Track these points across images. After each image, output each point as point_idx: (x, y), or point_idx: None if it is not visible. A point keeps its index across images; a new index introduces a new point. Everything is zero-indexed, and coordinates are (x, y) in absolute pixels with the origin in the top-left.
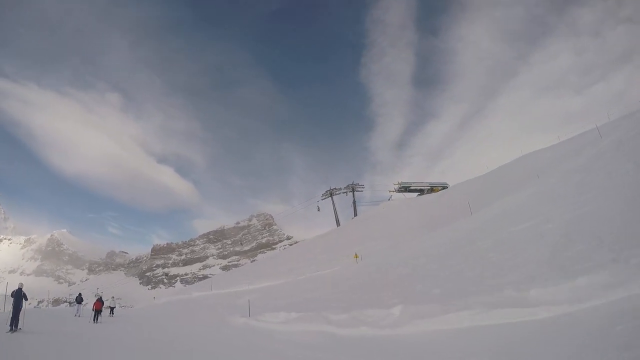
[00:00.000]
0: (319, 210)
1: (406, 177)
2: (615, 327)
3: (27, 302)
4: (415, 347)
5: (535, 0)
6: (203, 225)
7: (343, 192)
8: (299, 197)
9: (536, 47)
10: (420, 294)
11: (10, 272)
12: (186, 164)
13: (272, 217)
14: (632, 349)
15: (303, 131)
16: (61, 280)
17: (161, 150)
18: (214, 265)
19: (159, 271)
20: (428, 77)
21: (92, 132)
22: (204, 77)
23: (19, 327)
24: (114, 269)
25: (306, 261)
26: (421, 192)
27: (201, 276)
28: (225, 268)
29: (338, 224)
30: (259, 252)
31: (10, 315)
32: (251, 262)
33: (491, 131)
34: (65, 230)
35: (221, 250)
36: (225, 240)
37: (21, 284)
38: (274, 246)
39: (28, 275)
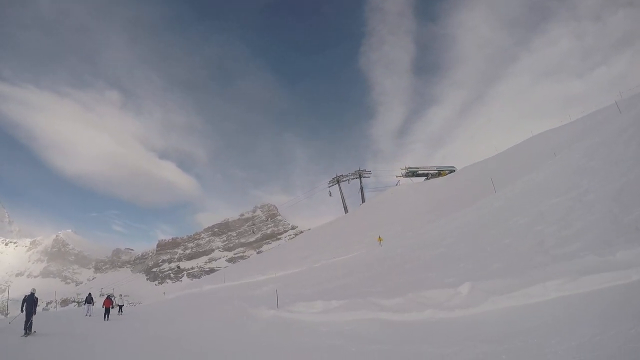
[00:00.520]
0: (330, 195)
1: (408, 164)
2: None
3: (38, 306)
4: (503, 326)
5: None
6: (207, 219)
7: (350, 179)
8: (302, 188)
9: (536, 33)
10: (479, 270)
11: (17, 275)
12: (188, 158)
13: (276, 207)
14: None
15: (304, 122)
16: (68, 281)
17: (162, 145)
18: (220, 258)
19: (166, 266)
20: (428, 64)
21: (92, 131)
22: (203, 71)
23: (33, 331)
24: (120, 267)
25: (319, 248)
26: (428, 176)
27: (208, 269)
28: (231, 260)
29: (346, 210)
30: (265, 243)
31: (24, 320)
32: (257, 253)
33: (491, 117)
34: (70, 230)
35: (226, 242)
36: (230, 233)
37: (33, 289)
38: (279, 236)
39: (35, 277)
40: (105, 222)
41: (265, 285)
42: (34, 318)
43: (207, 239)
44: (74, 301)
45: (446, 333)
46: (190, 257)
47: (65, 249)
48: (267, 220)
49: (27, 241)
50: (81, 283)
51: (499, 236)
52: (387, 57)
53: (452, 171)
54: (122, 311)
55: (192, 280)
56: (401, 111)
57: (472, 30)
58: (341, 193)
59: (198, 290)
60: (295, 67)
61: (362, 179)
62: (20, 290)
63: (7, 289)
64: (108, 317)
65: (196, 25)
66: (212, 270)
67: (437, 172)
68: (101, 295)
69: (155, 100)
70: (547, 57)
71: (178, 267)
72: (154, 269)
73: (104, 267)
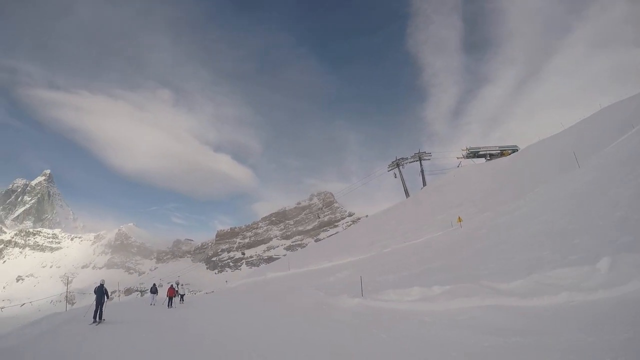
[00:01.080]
0: (395, 177)
1: (468, 145)
2: None
3: (109, 299)
4: None
5: None
6: (264, 208)
7: (409, 161)
8: (357, 174)
9: None
10: (606, 245)
11: (83, 267)
12: (242, 150)
13: (332, 195)
14: None
15: (354, 107)
16: (131, 271)
17: (216, 138)
18: (278, 246)
19: (225, 255)
20: (477, 40)
21: (148, 129)
22: (249, 63)
23: (102, 319)
24: (180, 257)
25: (385, 233)
26: (487, 157)
27: (266, 257)
28: (289, 248)
29: (407, 194)
30: (322, 231)
31: (94, 309)
32: (315, 240)
33: (548, 93)
34: (131, 224)
35: (284, 231)
36: (287, 221)
37: (103, 281)
38: (336, 224)
39: (100, 268)
40: (165, 215)
41: (337, 271)
42: (104, 307)
43: (265, 227)
44: (137, 290)
45: (598, 318)
46: (248, 246)
47: (127, 241)
48: (323, 208)
49: (92, 235)
50: (143, 273)
51: (609, 208)
52: (435, 37)
53: (514, 150)
54: (183, 300)
55: (250, 268)
56: (454, 92)
57: (521, 1)
58: (402, 177)
59: (262, 278)
60: (340, 52)
61: (422, 161)
62: (85, 281)
63: (72, 281)
64: (171, 305)
65: (238, 18)
66: (270, 259)
67: (499, 152)
68: (159, 286)
69: (205, 95)
70: (602, 25)
71: (243, 253)
72: (214, 258)
73: (165, 258)
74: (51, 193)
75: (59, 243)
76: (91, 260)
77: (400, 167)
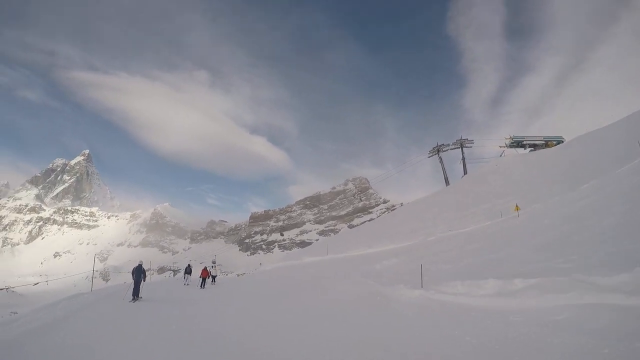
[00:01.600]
0: (441, 160)
1: (504, 135)
2: None
3: (146, 278)
4: None
5: None
6: (298, 192)
7: (450, 148)
8: (392, 160)
9: None
10: None
11: (118, 245)
12: (278, 132)
13: (367, 180)
14: None
15: (393, 92)
16: (165, 250)
17: (252, 121)
18: (311, 231)
19: (258, 237)
20: (520, 27)
21: (184, 111)
22: (287, 44)
23: (140, 297)
24: (214, 237)
25: (427, 221)
26: (527, 147)
27: (299, 241)
28: (322, 233)
29: (447, 182)
30: (356, 217)
31: (133, 287)
32: (348, 226)
33: (593, 84)
34: (167, 204)
35: (318, 215)
36: (321, 206)
37: (141, 261)
38: (370, 210)
39: (134, 247)
40: (200, 195)
41: (383, 259)
42: (141, 286)
43: (299, 211)
44: (171, 269)
45: None
46: (282, 229)
47: (162, 221)
48: (358, 194)
49: (128, 214)
50: (177, 252)
51: None
52: (477, 21)
53: (560, 142)
54: (215, 281)
55: (283, 252)
56: (494, 79)
57: None
58: (442, 164)
59: (298, 262)
60: (379, 35)
61: (464, 148)
62: (120, 259)
63: (107, 258)
64: (204, 285)
65: None
66: (303, 243)
67: (544, 142)
68: (190, 266)
69: (242, 76)
70: None
71: (281, 234)
72: (247, 240)
73: (198, 238)
74: (89, 172)
75: (95, 221)
76: (126, 239)
77: (441, 153)
